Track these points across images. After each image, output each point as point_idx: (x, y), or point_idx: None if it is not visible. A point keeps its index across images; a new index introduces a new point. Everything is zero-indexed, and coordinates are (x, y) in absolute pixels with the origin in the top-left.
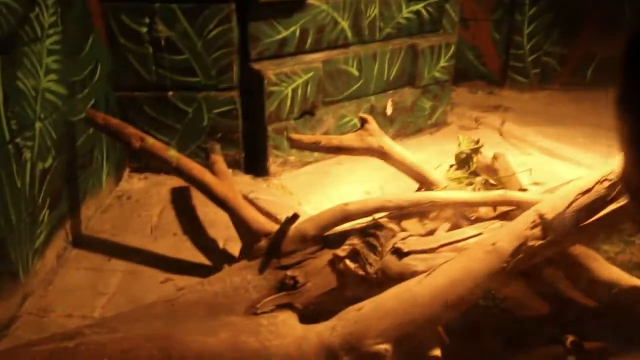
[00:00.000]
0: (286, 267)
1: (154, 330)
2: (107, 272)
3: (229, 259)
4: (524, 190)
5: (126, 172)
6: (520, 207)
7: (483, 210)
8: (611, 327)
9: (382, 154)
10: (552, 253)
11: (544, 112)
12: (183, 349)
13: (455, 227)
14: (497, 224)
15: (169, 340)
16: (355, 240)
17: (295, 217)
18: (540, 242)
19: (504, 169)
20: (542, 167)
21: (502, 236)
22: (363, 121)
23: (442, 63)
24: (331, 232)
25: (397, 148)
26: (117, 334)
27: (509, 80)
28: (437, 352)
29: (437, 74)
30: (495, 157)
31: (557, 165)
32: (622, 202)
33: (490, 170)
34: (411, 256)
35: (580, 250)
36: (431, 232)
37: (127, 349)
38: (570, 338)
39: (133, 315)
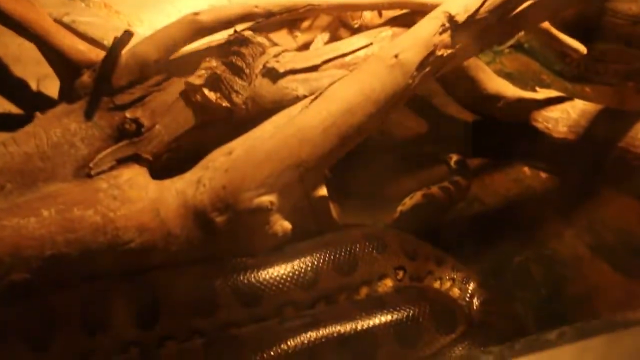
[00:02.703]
0: (123, 107)
1: None
2: None
3: (47, 103)
4: None
5: None
6: (415, 9)
7: (368, 17)
8: (493, 141)
9: None
10: (456, 64)
11: None
12: None
13: (335, 38)
14: (388, 31)
15: None
16: (213, 63)
17: (127, 35)
18: (450, 50)
19: None
20: None
21: (405, 46)
22: None
23: None
24: (179, 54)
25: None
26: None
27: None
28: (323, 190)
29: None
30: None
31: None
32: None
33: None
34: (289, 77)
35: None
36: (306, 46)
37: None
38: (454, 157)
39: None
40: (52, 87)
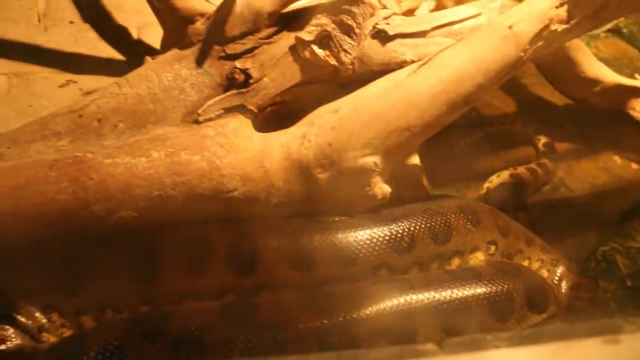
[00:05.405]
0: (234, 57)
1: (58, 154)
2: None
3: (147, 52)
4: None
5: None
6: None
7: None
8: (583, 127)
9: None
10: (567, 41)
11: None
12: (103, 177)
13: (439, 6)
14: (497, 2)
15: (81, 166)
16: (324, 20)
17: None
18: (565, 26)
19: None
20: None
21: (520, 17)
22: None
23: None
24: (291, 8)
25: None
26: (4, 162)
27: None
28: (415, 159)
29: None
30: None
31: None
32: None
33: None
34: (398, 40)
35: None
36: (410, 12)
37: (22, 183)
38: (542, 139)
39: (25, 133)
40: (151, 35)
